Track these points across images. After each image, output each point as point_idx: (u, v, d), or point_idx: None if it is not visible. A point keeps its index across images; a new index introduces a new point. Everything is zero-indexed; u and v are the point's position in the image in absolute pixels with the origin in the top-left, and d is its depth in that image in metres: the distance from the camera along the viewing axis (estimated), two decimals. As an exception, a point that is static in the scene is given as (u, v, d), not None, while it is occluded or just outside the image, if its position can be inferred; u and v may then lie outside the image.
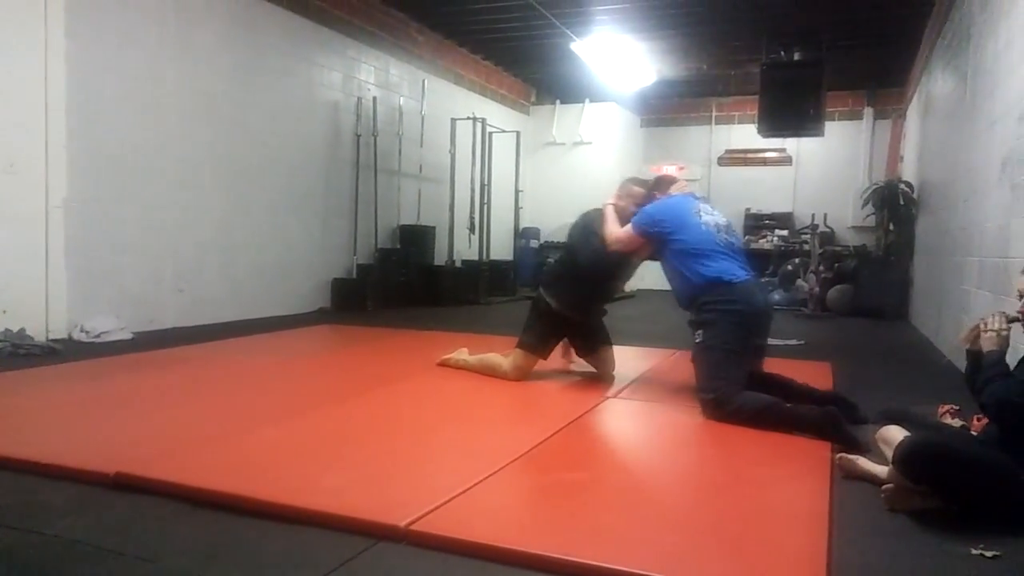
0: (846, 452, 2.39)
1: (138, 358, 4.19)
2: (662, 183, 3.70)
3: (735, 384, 2.99)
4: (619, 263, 3.70)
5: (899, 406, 2.69)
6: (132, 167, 5.25)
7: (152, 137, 5.39)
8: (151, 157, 5.38)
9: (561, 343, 4.01)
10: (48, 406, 3.07)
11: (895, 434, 2.18)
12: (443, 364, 4.07)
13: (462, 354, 4.06)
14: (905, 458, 1.98)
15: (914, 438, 2.06)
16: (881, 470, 2.21)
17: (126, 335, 4.92)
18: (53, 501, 2.02)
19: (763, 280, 3.38)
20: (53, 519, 1.89)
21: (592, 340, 3.91)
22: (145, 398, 3.23)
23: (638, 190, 3.72)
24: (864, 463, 2.30)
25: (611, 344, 3.96)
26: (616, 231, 3.54)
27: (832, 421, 2.71)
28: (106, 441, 2.53)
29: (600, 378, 3.87)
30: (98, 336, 4.76)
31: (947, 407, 2.96)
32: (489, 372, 3.84)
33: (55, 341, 4.57)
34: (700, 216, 3.33)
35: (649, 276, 5.03)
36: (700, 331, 3.18)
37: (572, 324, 3.85)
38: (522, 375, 3.75)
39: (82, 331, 4.77)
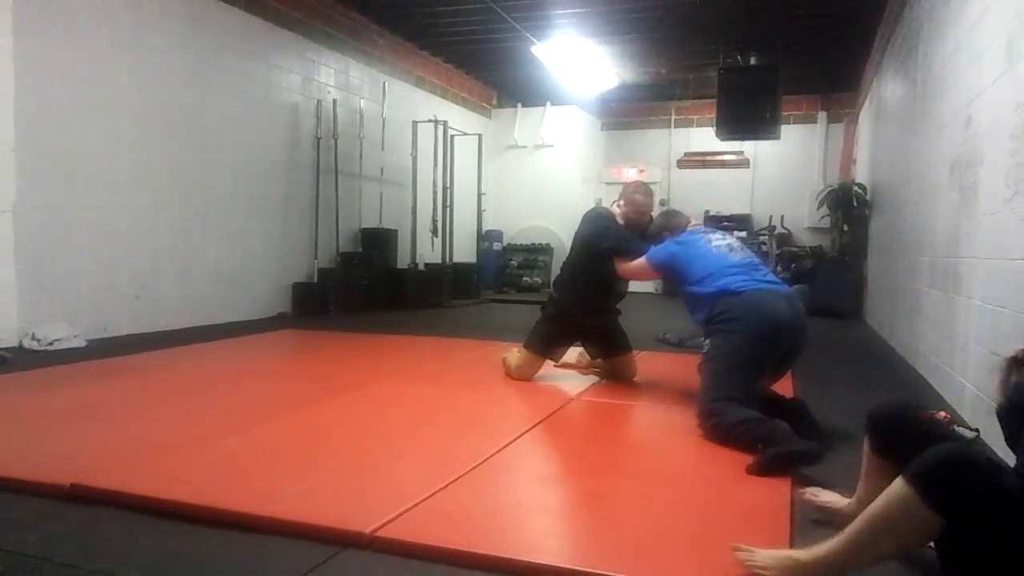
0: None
1: (92, 366, 4.09)
2: (673, 221, 3.59)
3: (733, 399, 2.74)
4: (607, 279, 3.68)
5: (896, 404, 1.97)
6: (84, 171, 5.12)
7: (105, 140, 5.27)
8: (104, 160, 5.26)
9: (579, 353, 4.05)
10: (-2, 417, 2.98)
11: None
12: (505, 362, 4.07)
13: (512, 354, 4.02)
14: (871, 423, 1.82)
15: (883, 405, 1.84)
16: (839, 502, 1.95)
17: (79, 343, 4.79)
18: (6, 515, 1.96)
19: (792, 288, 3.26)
20: (6, 533, 1.84)
21: (609, 345, 3.88)
22: (100, 407, 3.15)
23: (639, 199, 3.71)
24: (826, 496, 2.01)
25: (631, 350, 3.94)
26: (628, 264, 3.53)
27: (812, 457, 2.41)
28: (60, 452, 2.46)
29: (615, 378, 3.89)
30: (50, 344, 4.63)
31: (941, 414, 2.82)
32: (506, 369, 3.90)
33: (5, 350, 4.43)
34: (711, 243, 3.25)
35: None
36: (707, 340, 3.02)
37: (583, 328, 3.84)
38: (523, 375, 3.79)
39: (33, 339, 4.63)
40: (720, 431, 2.68)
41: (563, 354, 3.96)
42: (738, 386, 2.77)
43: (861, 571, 1.55)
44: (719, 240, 3.30)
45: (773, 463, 2.34)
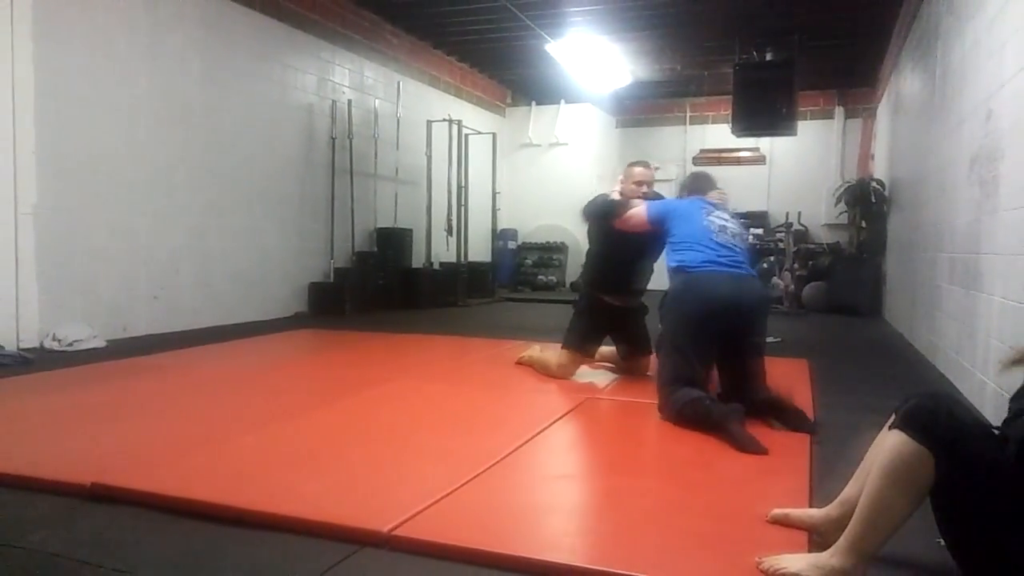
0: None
1: (112, 366, 4.13)
2: (696, 183, 3.72)
3: (679, 382, 2.97)
4: (633, 242, 3.73)
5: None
6: (103, 173, 5.17)
7: (123, 142, 5.31)
8: (123, 162, 5.31)
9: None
10: (21, 417, 3.01)
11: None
12: (519, 362, 4.23)
13: (534, 350, 4.20)
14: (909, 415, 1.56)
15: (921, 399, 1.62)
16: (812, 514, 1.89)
17: (99, 343, 4.84)
18: (28, 514, 1.98)
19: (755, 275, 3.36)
20: (28, 532, 1.86)
21: (634, 344, 3.95)
22: (120, 407, 3.19)
23: (640, 170, 3.86)
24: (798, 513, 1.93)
25: (651, 352, 3.97)
26: (630, 209, 3.61)
27: (727, 419, 2.72)
28: (81, 452, 2.49)
29: (629, 372, 3.99)
30: (71, 345, 4.68)
31: None
32: (543, 369, 3.99)
33: (27, 350, 4.49)
34: (710, 216, 3.32)
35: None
36: (660, 324, 3.26)
37: (612, 318, 3.92)
38: (565, 373, 3.90)
39: (54, 340, 4.69)
40: (671, 414, 2.95)
41: (596, 350, 4.02)
42: (684, 367, 3.00)
43: (887, 541, 1.56)
44: (717, 218, 3.33)
45: (737, 438, 2.63)
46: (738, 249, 3.27)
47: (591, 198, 3.99)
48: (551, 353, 4.04)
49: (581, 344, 3.91)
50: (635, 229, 3.57)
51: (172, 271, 5.73)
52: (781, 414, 2.90)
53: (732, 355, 3.15)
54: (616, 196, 3.79)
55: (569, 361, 3.91)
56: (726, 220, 3.36)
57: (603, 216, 3.74)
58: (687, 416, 2.90)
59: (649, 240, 3.63)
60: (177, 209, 5.76)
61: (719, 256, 3.16)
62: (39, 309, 4.75)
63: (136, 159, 5.41)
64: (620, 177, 3.88)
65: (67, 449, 2.54)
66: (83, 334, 4.79)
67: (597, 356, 4.11)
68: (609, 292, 3.91)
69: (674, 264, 3.23)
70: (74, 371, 3.96)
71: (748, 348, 3.15)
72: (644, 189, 3.79)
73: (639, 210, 3.55)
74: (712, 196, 3.56)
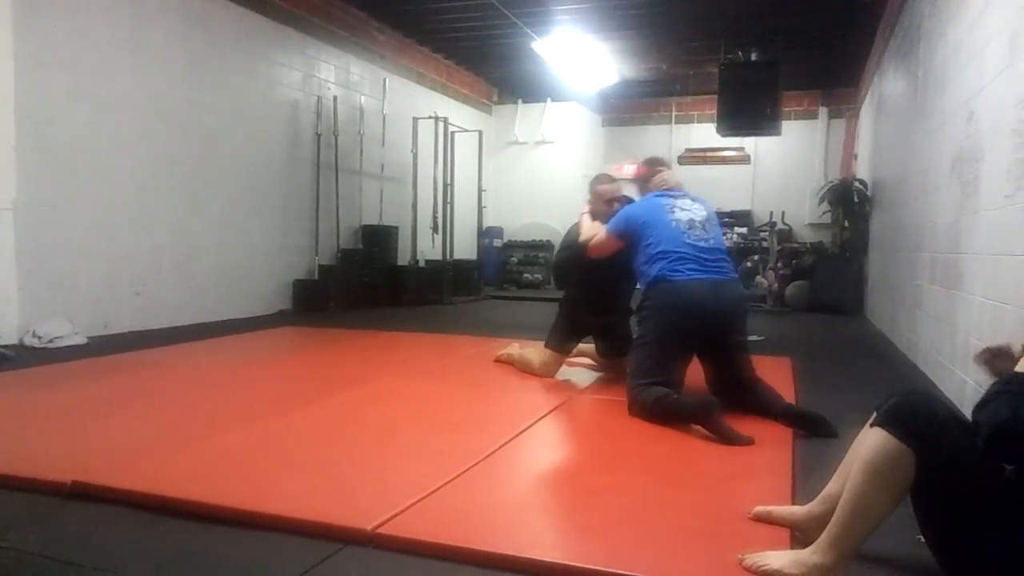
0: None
1: (93, 363, 4.09)
2: (648, 169, 3.60)
3: (651, 383, 3.00)
4: (607, 273, 3.71)
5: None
6: (85, 168, 5.11)
7: (105, 138, 5.26)
8: (105, 158, 5.25)
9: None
10: (0, 414, 2.98)
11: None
12: (497, 360, 4.25)
13: (513, 349, 4.23)
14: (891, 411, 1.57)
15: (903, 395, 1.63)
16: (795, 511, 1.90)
17: (80, 340, 4.79)
18: (6, 512, 1.96)
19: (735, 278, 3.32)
20: (6, 531, 1.84)
21: (616, 343, 3.94)
22: (101, 405, 3.15)
23: (604, 187, 3.80)
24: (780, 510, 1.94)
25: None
26: (593, 238, 3.57)
27: (708, 410, 2.76)
28: (61, 450, 2.47)
29: (611, 371, 3.97)
30: (51, 341, 4.63)
31: None
32: (524, 368, 4.00)
33: (6, 347, 4.43)
34: (673, 212, 3.28)
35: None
36: (638, 327, 3.26)
37: (592, 324, 3.94)
38: (548, 372, 3.91)
39: (34, 336, 4.64)
40: (642, 411, 2.99)
41: (575, 348, 4.04)
42: (656, 370, 3.04)
43: (867, 538, 1.58)
44: (683, 211, 3.30)
45: (720, 430, 2.70)
46: (713, 244, 3.25)
47: (563, 238, 4.04)
48: (533, 352, 4.03)
49: (563, 343, 3.93)
50: (610, 251, 3.52)
51: (154, 267, 5.68)
52: (805, 424, 2.88)
53: (716, 356, 3.18)
54: (586, 220, 3.75)
55: (552, 360, 3.92)
56: (689, 209, 3.32)
57: (578, 264, 3.73)
58: (657, 413, 2.93)
59: (626, 260, 3.49)
60: (160, 205, 5.71)
61: (696, 259, 3.16)
62: (19, 305, 4.69)
63: (118, 154, 5.35)
64: (588, 197, 3.83)
65: (47, 447, 2.51)
66: (64, 331, 4.74)
67: (575, 352, 4.12)
68: (590, 313, 3.88)
69: (653, 275, 3.17)
70: (54, 368, 3.93)
71: (732, 346, 3.17)
72: (616, 206, 3.66)
73: (601, 236, 3.51)
74: (657, 181, 3.51)
